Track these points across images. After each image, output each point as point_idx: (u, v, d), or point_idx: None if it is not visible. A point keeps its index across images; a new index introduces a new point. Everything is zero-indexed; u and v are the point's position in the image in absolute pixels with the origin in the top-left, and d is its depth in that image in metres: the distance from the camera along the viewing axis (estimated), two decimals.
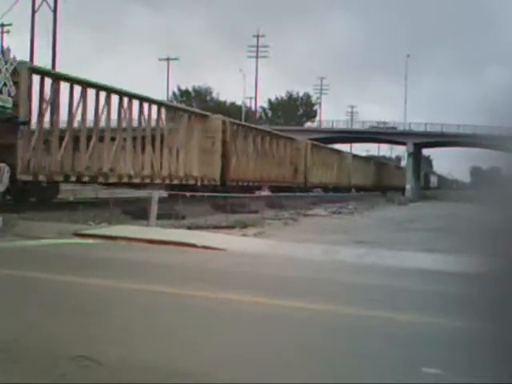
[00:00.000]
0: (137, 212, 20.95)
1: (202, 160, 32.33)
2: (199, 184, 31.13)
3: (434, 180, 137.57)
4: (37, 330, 5.82)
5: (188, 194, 25.13)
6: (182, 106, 32.07)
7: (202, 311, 7.14)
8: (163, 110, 29.78)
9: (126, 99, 26.01)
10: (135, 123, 27.35)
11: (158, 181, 28.03)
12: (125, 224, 18.05)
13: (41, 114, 22.03)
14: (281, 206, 31.95)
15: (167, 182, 29.13)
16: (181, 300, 7.74)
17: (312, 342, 5.94)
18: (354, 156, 75.08)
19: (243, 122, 50.20)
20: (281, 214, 27.62)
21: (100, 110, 24.52)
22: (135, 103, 26.86)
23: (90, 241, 14.21)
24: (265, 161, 41.23)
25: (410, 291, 9.59)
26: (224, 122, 34.39)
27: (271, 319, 6.90)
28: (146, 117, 27.59)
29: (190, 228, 18.15)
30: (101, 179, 25.59)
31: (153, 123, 28.40)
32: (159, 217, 19.24)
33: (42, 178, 21.89)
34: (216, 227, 19.00)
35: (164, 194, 24.52)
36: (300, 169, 49.09)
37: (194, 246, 13.83)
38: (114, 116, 25.48)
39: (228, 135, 34.44)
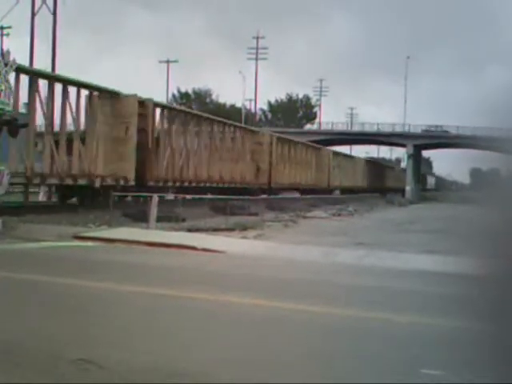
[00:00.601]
0: (137, 214, 20.94)
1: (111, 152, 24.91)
2: (98, 185, 23.54)
3: (431, 181, 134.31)
4: (37, 332, 5.82)
5: (188, 196, 25.17)
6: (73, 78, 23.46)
7: (202, 313, 7.14)
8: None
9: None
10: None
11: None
12: (124, 226, 18.04)
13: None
14: (280, 208, 31.93)
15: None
16: (180, 302, 7.74)
17: (312, 344, 5.94)
18: (337, 154, 69.90)
19: (179, 107, 45.40)
20: (280, 216, 27.60)
21: None
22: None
23: (90, 243, 14.21)
24: (214, 156, 34.12)
25: (409, 292, 9.59)
26: (142, 104, 26.32)
27: (271, 321, 6.90)
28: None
29: (189, 230, 18.14)
30: None
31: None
32: (159, 219, 19.24)
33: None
34: (216, 229, 19.00)
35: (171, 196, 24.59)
36: (263, 167, 41.51)
37: (193, 248, 13.82)
38: None
39: (150, 121, 26.89)
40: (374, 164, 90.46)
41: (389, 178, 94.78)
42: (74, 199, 24.88)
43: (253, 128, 44.59)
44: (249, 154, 39.70)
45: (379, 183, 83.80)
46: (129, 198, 25.54)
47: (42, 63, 33.97)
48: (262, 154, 41.33)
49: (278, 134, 47.53)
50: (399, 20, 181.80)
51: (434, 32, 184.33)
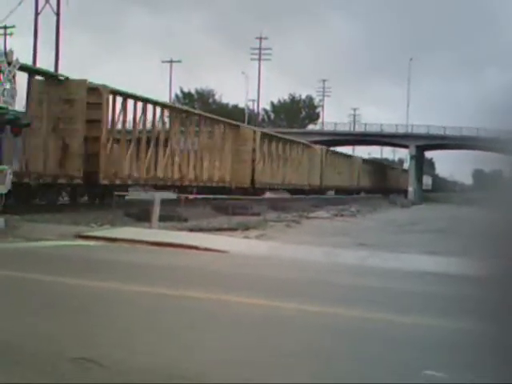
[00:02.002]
0: (139, 214, 20.96)
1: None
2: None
3: (427, 181, 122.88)
4: (38, 331, 5.82)
5: (191, 196, 25.19)
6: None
7: (204, 313, 7.13)
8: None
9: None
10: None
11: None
12: (127, 226, 18.05)
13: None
14: (283, 209, 31.94)
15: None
16: (183, 302, 7.73)
17: (313, 345, 5.93)
18: (330, 152, 64.36)
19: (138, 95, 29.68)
20: (283, 216, 27.61)
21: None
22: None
23: (92, 243, 14.21)
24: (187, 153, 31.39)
25: (412, 293, 9.58)
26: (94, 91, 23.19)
27: (273, 321, 6.90)
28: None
29: (192, 230, 18.15)
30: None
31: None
32: (161, 219, 19.25)
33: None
34: (218, 229, 19.01)
35: (173, 196, 24.16)
36: (245, 165, 37.91)
37: (196, 248, 13.82)
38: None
39: (104, 111, 23.40)
40: (373, 164, 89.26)
41: (390, 178, 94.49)
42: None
43: (233, 122, 39.18)
44: (229, 150, 35.87)
45: (380, 184, 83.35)
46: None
47: (44, 63, 34.01)
48: (243, 151, 37.28)
49: (262, 130, 45.88)
50: (401, 21, 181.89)
51: (434, 34, 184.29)
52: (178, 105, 38.31)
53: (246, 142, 38.13)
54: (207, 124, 33.79)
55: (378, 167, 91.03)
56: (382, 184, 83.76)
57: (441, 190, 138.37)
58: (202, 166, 32.25)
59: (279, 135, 46.87)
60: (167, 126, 29.59)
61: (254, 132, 40.31)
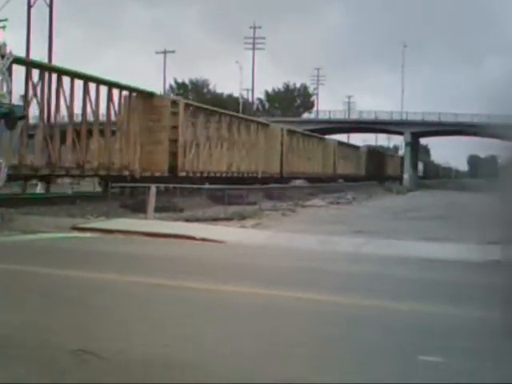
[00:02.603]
0: (135, 205, 20.95)
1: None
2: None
3: (419, 167, 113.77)
4: (36, 323, 5.82)
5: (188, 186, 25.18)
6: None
7: (202, 303, 7.14)
8: None
9: None
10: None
11: None
12: (123, 217, 18.04)
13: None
14: (279, 197, 31.94)
15: None
16: (180, 292, 7.74)
17: (311, 332, 5.95)
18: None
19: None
20: (279, 205, 27.61)
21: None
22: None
23: (88, 234, 14.20)
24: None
25: (408, 280, 9.60)
26: (174, 103, 30.26)
27: (271, 310, 6.91)
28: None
29: (188, 220, 18.14)
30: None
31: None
32: (157, 210, 19.25)
33: None
34: (214, 219, 19.01)
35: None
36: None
37: (192, 238, 13.82)
38: None
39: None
40: (374, 153, 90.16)
41: (388, 166, 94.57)
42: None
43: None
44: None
45: (379, 171, 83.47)
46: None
47: (38, 56, 33.84)
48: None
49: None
50: (396, 8, 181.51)
51: (429, 20, 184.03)
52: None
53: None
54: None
55: (377, 155, 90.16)
56: (379, 171, 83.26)
57: (434, 177, 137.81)
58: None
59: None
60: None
61: (174, 103, 32.18)
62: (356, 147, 78.79)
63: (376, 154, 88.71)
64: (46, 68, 22.97)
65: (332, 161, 59.96)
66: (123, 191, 25.29)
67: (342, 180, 59.06)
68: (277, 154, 44.40)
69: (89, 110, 24.43)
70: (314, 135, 57.48)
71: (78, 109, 24.35)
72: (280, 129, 45.74)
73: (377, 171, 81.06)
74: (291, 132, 48.71)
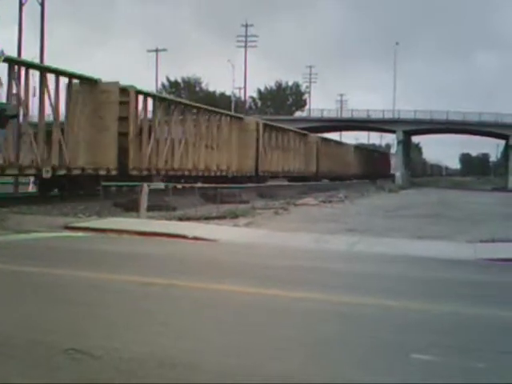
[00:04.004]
0: (127, 204, 20.94)
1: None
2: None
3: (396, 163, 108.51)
4: (28, 323, 5.82)
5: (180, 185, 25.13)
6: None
7: (194, 302, 7.15)
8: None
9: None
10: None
11: None
12: (115, 216, 18.02)
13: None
14: (271, 196, 31.96)
15: None
16: (172, 291, 7.75)
17: (304, 330, 5.97)
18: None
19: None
20: (271, 203, 27.64)
21: None
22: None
23: (81, 234, 14.18)
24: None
25: (400, 278, 9.64)
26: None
27: (264, 308, 6.93)
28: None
29: (180, 219, 18.14)
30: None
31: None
32: (150, 208, 19.24)
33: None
34: (207, 218, 19.01)
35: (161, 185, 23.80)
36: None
37: (184, 237, 13.83)
38: None
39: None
40: (363, 150, 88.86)
41: (379, 164, 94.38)
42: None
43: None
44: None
45: (370, 170, 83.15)
46: (113, 188, 24.55)
47: (30, 54, 33.70)
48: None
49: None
50: (388, 6, 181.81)
51: (421, 18, 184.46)
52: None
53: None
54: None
55: (366, 153, 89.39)
56: (370, 170, 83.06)
57: (423, 175, 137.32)
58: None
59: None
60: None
61: (257, 123, 37.64)
62: (342, 144, 74.86)
63: (365, 152, 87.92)
64: None
65: (315, 158, 55.64)
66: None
67: (328, 180, 55.95)
68: (252, 150, 39.89)
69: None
70: (294, 130, 52.54)
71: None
72: (255, 123, 41.00)
73: (366, 169, 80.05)
74: (268, 127, 44.13)
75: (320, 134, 66.68)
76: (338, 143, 73.76)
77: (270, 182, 40.94)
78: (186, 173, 30.91)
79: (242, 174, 37.59)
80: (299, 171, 50.61)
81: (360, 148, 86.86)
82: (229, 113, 41.43)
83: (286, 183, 42.53)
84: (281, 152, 45.90)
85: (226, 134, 36.24)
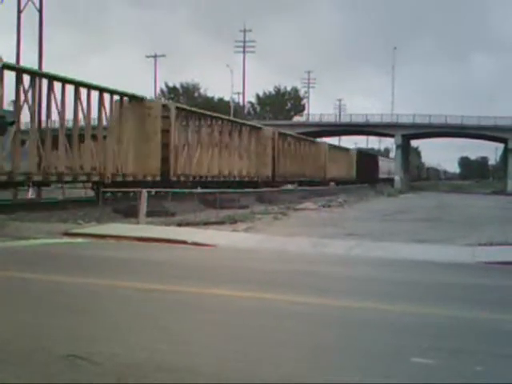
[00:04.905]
0: (127, 210, 20.94)
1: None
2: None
3: (388, 167, 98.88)
4: (27, 329, 5.83)
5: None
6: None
7: (193, 307, 7.16)
8: None
9: None
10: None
11: None
12: (115, 222, 18.03)
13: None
14: (270, 201, 31.97)
15: None
16: (171, 296, 7.76)
17: (303, 334, 5.98)
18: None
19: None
20: (270, 208, 27.66)
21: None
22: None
23: (80, 240, 14.19)
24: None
25: (400, 282, 9.66)
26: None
27: (263, 313, 6.94)
28: None
29: (180, 225, 18.15)
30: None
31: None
32: (149, 214, 19.25)
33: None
34: (206, 223, 19.02)
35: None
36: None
37: (184, 242, 13.84)
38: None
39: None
40: (364, 155, 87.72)
41: (379, 168, 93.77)
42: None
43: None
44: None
45: (370, 174, 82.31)
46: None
47: (28, 61, 33.74)
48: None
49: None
50: (385, 10, 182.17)
51: (419, 22, 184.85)
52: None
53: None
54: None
55: (367, 158, 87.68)
56: (371, 174, 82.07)
57: (422, 178, 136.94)
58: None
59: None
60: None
61: (273, 132, 40.69)
62: (346, 149, 76.65)
63: (366, 157, 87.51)
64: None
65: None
66: (116, 196, 25.23)
67: (334, 183, 57.04)
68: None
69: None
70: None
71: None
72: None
73: (367, 173, 79.51)
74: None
75: (319, 139, 66.47)
76: (344, 149, 74.57)
77: (286, 186, 43.12)
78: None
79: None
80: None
81: (359, 152, 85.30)
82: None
83: (297, 188, 43.58)
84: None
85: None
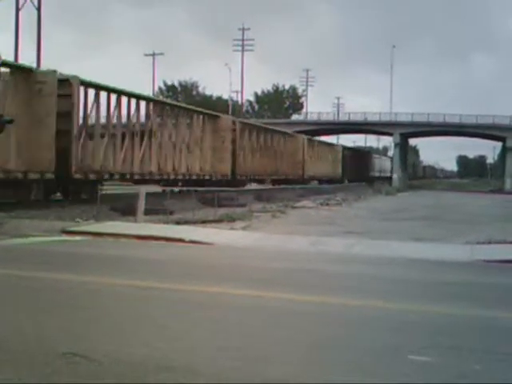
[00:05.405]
0: (125, 208, 20.91)
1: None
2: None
3: (383, 166, 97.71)
4: (25, 327, 5.81)
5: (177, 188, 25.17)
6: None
7: (191, 305, 7.15)
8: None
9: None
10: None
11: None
12: (112, 220, 18.01)
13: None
14: (268, 199, 31.97)
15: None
16: (169, 295, 7.75)
17: (301, 332, 5.98)
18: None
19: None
20: (268, 206, 27.66)
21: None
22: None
23: (78, 238, 14.17)
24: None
25: (398, 280, 9.66)
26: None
27: (262, 311, 6.93)
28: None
29: (178, 223, 18.14)
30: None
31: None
32: (147, 212, 19.22)
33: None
34: (204, 221, 19.01)
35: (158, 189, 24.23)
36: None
37: (181, 240, 13.83)
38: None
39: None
40: (355, 151, 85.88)
41: (374, 166, 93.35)
42: None
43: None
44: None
45: (364, 172, 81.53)
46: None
47: (27, 59, 33.68)
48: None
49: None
50: (384, 9, 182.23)
51: (418, 20, 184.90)
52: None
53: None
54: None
55: (359, 155, 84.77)
56: (364, 172, 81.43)
57: (420, 177, 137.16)
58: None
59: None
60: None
61: (234, 122, 35.06)
62: (331, 145, 69.40)
63: (356, 153, 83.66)
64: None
65: (301, 160, 51.18)
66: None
67: (317, 182, 54.08)
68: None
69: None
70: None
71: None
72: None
73: (357, 171, 76.03)
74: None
75: (317, 137, 66.15)
76: (328, 144, 67.77)
77: (249, 185, 37.92)
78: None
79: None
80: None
81: (351, 149, 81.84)
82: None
83: (270, 187, 39.44)
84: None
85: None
